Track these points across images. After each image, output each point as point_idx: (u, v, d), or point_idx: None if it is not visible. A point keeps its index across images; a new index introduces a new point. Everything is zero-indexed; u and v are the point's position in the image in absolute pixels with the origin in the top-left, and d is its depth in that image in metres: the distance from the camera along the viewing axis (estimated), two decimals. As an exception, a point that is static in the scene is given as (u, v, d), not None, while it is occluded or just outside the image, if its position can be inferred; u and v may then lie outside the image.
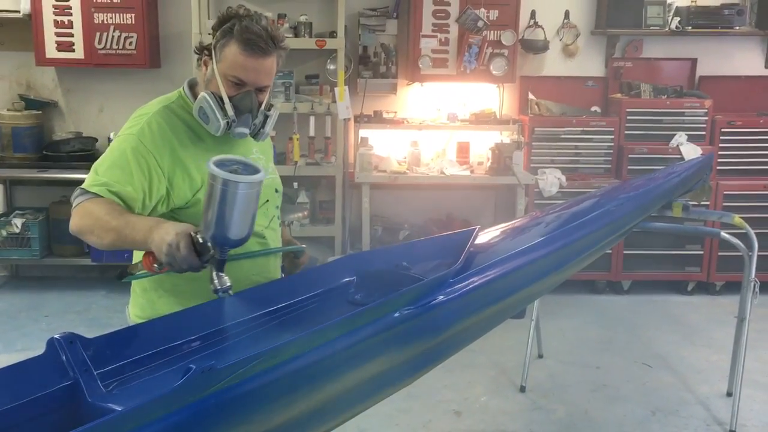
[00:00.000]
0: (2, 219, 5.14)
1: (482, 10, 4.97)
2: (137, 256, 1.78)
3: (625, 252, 5.27)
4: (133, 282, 1.93)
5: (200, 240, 1.53)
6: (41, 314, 4.79)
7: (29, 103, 5.23)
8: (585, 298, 5.26)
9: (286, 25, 4.97)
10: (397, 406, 3.55)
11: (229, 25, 1.83)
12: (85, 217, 1.70)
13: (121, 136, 1.83)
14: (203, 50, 1.91)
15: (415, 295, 1.64)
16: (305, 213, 4.80)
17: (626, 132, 5.28)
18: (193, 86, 1.97)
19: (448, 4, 5.06)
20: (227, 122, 1.84)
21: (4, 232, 5.07)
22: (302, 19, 4.99)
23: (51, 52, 5.01)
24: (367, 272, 1.91)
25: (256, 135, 1.95)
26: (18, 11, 4.95)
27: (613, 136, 5.27)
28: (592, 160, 5.30)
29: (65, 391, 1.27)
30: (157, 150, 1.79)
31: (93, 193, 1.72)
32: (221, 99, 1.83)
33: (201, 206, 1.63)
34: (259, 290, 1.76)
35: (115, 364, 1.39)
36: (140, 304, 1.95)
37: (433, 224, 5.27)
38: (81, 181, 5.49)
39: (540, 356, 4.17)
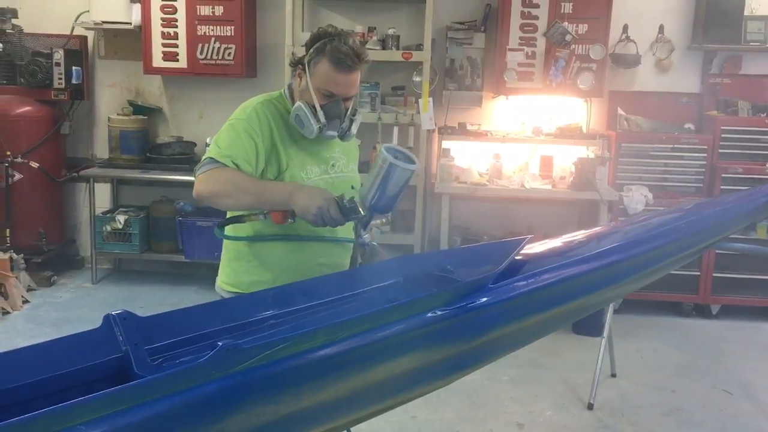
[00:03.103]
0: (108, 215, 5.55)
1: (566, 23, 4.93)
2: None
3: (715, 275, 5.09)
4: (223, 254, 2.29)
5: (345, 204, 1.95)
6: (137, 305, 5.12)
7: (136, 109, 5.63)
8: (669, 320, 5.11)
9: (375, 38, 5.12)
10: (460, 413, 3.59)
11: (320, 44, 2.12)
12: (219, 183, 2.04)
13: (234, 120, 2.16)
14: (298, 64, 2.21)
15: (451, 297, 1.69)
16: (384, 220, 4.89)
17: (720, 150, 5.11)
18: (291, 90, 2.27)
19: (536, 18, 5.07)
20: (320, 127, 2.16)
21: (108, 228, 5.47)
22: (390, 32, 5.13)
23: (158, 61, 5.38)
24: (412, 274, 1.98)
25: (343, 136, 2.27)
26: (130, 23, 5.35)
27: (705, 155, 5.11)
28: (682, 179, 5.15)
29: (116, 362, 1.41)
30: (262, 133, 2.14)
31: (221, 163, 2.05)
32: (314, 107, 2.15)
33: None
34: (307, 284, 1.87)
35: (164, 341, 1.52)
36: (226, 273, 2.29)
37: (513, 237, 5.25)
38: (180, 183, 5.83)
39: (613, 375, 4.09)
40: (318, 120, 2.14)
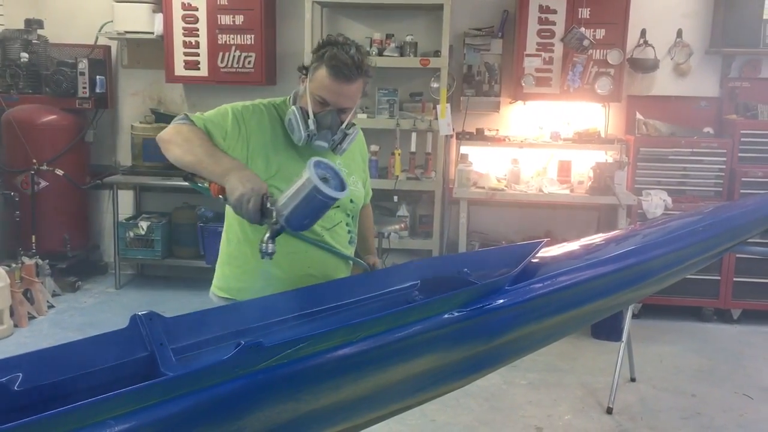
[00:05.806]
0: (131, 221, 5.64)
1: (583, 28, 4.94)
2: None
3: (735, 279, 5.06)
4: (219, 258, 2.23)
5: (268, 205, 1.75)
6: (159, 310, 5.05)
7: (159, 117, 5.70)
8: (689, 325, 5.08)
9: (393, 45, 5.17)
10: (478, 417, 3.61)
11: (323, 50, 2.05)
12: (178, 134, 1.96)
13: (231, 104, 2.13)
14: (302, 69, 2.15)
15: (467, 299, 1.72)
16: (402, 225, 4.94)
17: (740, 155, 5.09)
18: (296, 96, 2.19)
19: (554, 24, 5.09)
20: (308, 135, 2.07)
21: (131, 234, 5.55)
22: (408, 39, 5.17)
23: (179, 70, 5.46)
24: (429, 277, 2.01)
25: (334, 149, 2.15)
26: (152, 33, 5.44)
27: (725, 159, 5.09)
28: (701, 183, 5.14)
29: (142, 361, 1.47)
30: (251, 127, 2.07)
31: (192, 122, 2.00)
32: (308, 114, 2.07)
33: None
34: (324, 287, 1.91)
35: (188, 341, 1.57)
36: (218, 276, 2.25)
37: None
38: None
39: (632, 380, 4.09)
40: (308, 127, 2.06)
